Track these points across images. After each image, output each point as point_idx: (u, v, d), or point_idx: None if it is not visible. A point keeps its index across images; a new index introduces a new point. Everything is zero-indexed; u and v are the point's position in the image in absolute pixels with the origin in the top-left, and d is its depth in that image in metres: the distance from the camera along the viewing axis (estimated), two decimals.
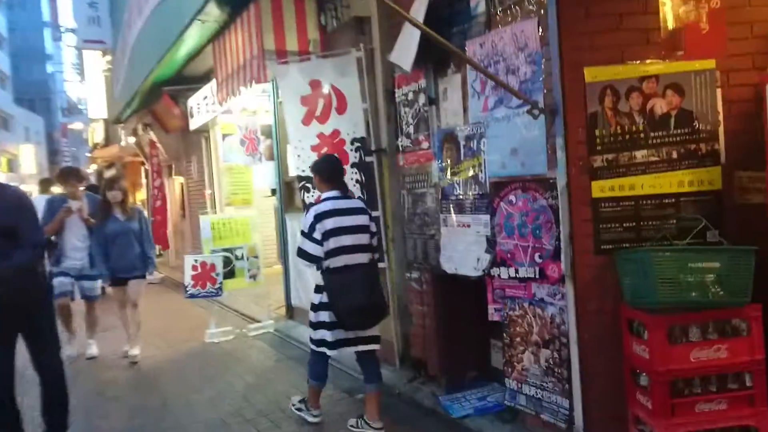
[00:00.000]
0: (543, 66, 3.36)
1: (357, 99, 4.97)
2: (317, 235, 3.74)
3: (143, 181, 16.71)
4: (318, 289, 3.92)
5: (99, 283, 6.31)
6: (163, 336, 7.07)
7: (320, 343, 3.91)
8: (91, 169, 24.07)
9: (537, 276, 3.51)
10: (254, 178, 7.89)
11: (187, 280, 6.82)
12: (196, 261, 6.86)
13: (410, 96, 4.51)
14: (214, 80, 6.87)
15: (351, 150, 5.00)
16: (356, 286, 3.75)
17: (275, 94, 6.96)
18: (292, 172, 5.99)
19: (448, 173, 4.14)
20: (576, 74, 3.22)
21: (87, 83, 20.10)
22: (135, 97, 10.56)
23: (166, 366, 5.93)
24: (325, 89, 5.02)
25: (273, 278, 7.81)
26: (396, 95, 4.72)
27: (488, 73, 3.18)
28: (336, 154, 4.45)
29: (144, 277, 6.26)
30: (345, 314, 3.75)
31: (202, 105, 8.59)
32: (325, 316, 3.85)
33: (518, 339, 3.69)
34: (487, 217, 3.81)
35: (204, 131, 10.06)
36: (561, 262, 3.34)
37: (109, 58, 16.00)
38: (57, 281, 5.89)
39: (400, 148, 4.73)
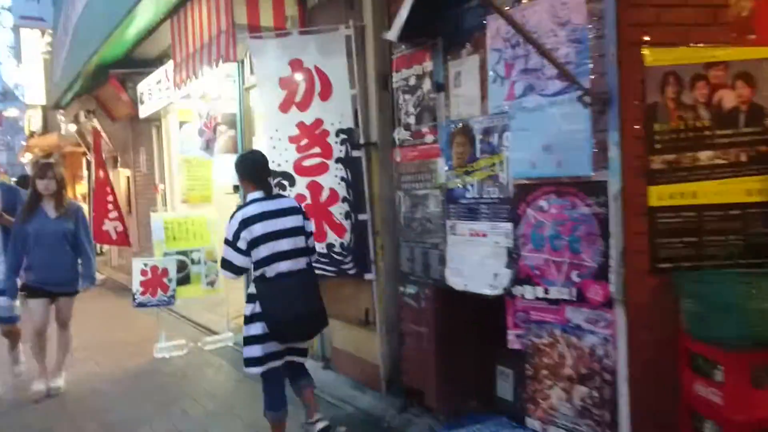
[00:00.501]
0: (590, 45, 2.79)
1: (344, 83, 4.30)
2: (242, 243, 3.37)
3: (84, 173, 15.54)
4: (250, 299, 3.43)
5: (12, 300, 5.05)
6: (104, 350, 6.22)
7: (249, 362, 3.46)
8: (26, 159, 22.40)
9: (574, 298, 2.92)
10: (214, 173, 7.04)
11: (136, 287, 5.99)
12: (145, 265, 6.04)
13: (412, 81, 3.86)
14: (170, 62, 6.09)
15: (336, 143, 4.33)
16: (294, 294, 3.40)
17: (241, 79, 6.20)
18: None
19: (459, 172, 3.52)
20: (634, 56, 2.67)
21: (24, 66, 18.63)
22: (77, 80, 9.60)
23: (107, 388, 5.10)
24: (307, 71, 4.33)
25: (231, 284, 7.00)
26: (393, 80, 4.05)
27: (536, 41, 2.55)
28: (261, 150, 3.87)
29: (76, 292, 5.04)
30: (283, 325, 3.36)
31: (154, 90, 7.72)
32: (257, 328, 3.41)
33: (545, 372, 3.10)
34: (509, 225, 3.21)
35: (155, 119, 9.16)
36: (608, 283, 2.76)
37: (48, 39, 14.79)
38: None
39: (397, 142, 4.06)
